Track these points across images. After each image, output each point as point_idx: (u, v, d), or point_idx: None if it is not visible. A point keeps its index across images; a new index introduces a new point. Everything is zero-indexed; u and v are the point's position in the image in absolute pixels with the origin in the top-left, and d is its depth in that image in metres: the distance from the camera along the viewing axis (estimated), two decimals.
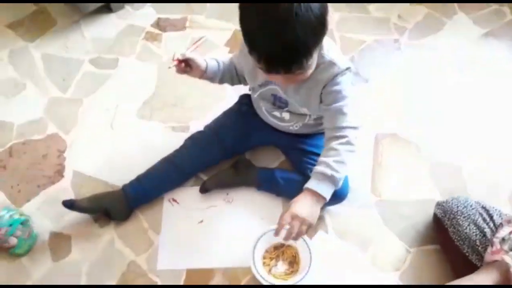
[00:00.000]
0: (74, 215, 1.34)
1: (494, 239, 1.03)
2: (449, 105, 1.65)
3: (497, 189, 1.42)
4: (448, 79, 1.73)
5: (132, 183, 1.34)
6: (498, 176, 1.45)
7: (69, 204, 1.27)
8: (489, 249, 1.03)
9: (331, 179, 1.05)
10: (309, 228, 1.05)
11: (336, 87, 1.08)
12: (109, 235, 1.32)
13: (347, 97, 1.09)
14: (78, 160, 1.49)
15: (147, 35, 1.88)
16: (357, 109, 1.14)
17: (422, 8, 1.96)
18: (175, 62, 1.16)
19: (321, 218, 1.33)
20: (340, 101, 1.09)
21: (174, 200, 1.39)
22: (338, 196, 1.22)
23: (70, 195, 1.40)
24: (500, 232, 1.05)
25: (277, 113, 1.27)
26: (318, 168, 1.06)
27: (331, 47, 1.08)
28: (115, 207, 1.31)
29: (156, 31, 1.90)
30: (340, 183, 1.08)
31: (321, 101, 1.12)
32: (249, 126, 1.38)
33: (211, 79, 1.27)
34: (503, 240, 1.02)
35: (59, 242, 1.32)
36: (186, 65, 1.18)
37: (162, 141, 1.51)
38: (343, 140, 1.07)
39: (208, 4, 2.00)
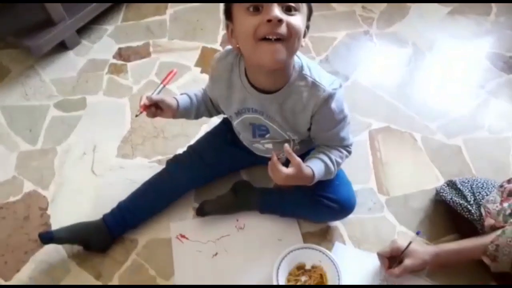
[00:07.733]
0: (70, 278, 1.23)
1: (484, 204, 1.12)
2: (433, 88, 1.64)
3: (501, 163, 1.42)
4: (425, 61, 1.72)
5: (113, 212, 1.27)
6: (498, 148, 1.46)
7: (48, 238, 1.18)
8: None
9: (330, 175, 1.09)
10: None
11: (329, 115, 1.01)
12: None
13: (342, 120, 1.04)
14: (64, 215, 1.36)
15: (111, 68, 1.77)
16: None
17: None
18: (142, 109, 1.07)
19: (335, 229, 1.28)
20: (336, 126, 1.04)
21: (183, 236, 1.29)
22: (346, 209, 1.19)
23: (63, 256, 1.28)
24: (490, 196, 1.12)
25: (259, 146, 1.20)
26: (326, 159, 1.06)
27: (312, 66, 1.01)
28: (95, 237, 1.23)
29: (120, 62, 1.80)
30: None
31: (310, 124, 1.06)
32: (234, 153, 1.31)
33: (186, 116, 1.19)
34: (498, 212, 1.06)
35: None
36: (156, 108, 1.09)
37: None
38: (342, 154, 1.10)
39: (168, 26, 1.93)
